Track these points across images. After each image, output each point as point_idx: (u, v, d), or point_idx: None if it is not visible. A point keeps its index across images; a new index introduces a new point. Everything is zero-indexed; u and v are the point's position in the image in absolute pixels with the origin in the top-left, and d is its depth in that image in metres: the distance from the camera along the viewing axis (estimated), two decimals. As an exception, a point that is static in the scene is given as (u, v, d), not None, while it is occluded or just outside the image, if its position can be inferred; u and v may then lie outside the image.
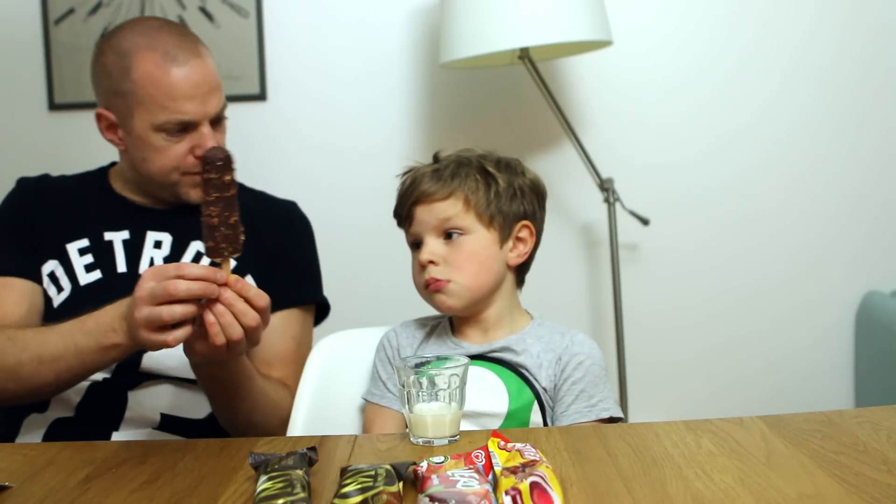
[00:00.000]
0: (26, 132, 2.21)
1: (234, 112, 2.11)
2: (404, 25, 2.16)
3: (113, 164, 1.49)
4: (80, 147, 2.19)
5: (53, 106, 2.18)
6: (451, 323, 1.30)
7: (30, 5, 2.16)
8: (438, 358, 1.10)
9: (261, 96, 2.16)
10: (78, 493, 0.87)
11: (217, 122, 1.37)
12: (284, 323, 1.40)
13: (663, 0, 2.16)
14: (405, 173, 1.28)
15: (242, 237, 1.09)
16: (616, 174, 2.03)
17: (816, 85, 2.16)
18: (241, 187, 1.52)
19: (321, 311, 1.51)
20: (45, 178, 1.46)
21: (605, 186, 2.01)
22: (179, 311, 1.02)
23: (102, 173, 1.48)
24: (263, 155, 2.12)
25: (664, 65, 2.16)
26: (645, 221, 2.07)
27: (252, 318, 1.05)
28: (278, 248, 1.45)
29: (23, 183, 1.44)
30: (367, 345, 1.38)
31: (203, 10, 2.15)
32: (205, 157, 1.06)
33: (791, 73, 2.16)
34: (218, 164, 1.05)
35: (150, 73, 1.29)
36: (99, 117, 1.37)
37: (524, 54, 1.89)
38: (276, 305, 1.27)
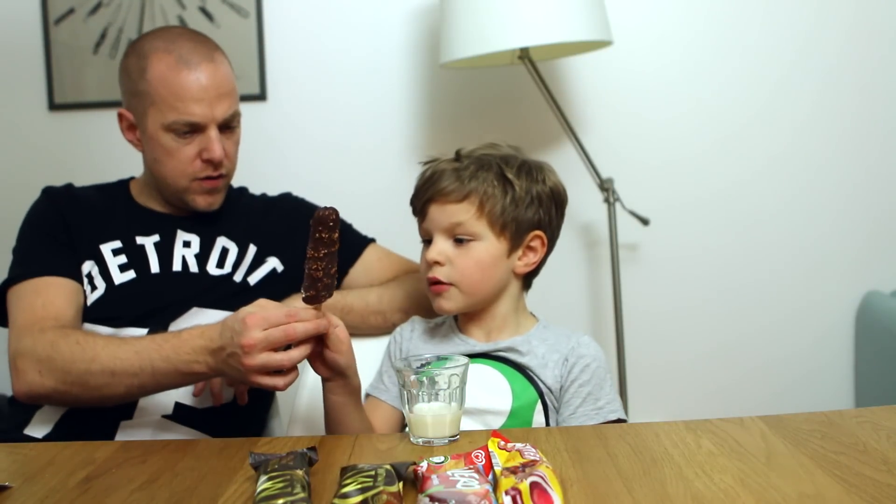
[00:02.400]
0: (26, 132, 2.20)
1: (234, 112, 2.12)
2: (404, 25, 2.16)
3: (131, 178, 1.54)
4: (80, 147, 2.19)
5: (53, 106, 2.18)
6: (455, 318, 1.31)
7: (30, 5, 2.16)
8: (439, 358, 1.10)
9: (261, 96, 2.16)
10: (78, 493, 0.87)
11: (228, 128, 1.41)
12: (368, 265, 1.52)
13: (663, 0, 2.16)
14: (427, 163, 1.27)
15: (335, 282, 1.13)
16: (616, 174, 2.03)
17: (817, 85, 2.16)
18: (244, 192, 1.57)
19: None
20: (70, 186, 1.51)
21: (605, 186, 2.01)
22: (297, 355, 1.10)
23: (123, 186, 1.52)
24: (263, 155, 2.12)
25: (664, 65, 2.16)
26: (645, 221, 2.07)
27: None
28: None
29: (49, 190, 1.48)
30: (366, 345, 1.38)
31: (203, 10, 2.15)
32: (316, 216, 1.08)
33: (791, 73, 2.16)
34: (330, 224, 1.08)
35: (163, 74, 1.35)
36: (120, 117, 1.43)
37: (524, 54, 1.89)
38: (349, 264, 1.50)
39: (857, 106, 2.16)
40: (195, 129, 1.37)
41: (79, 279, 1.38)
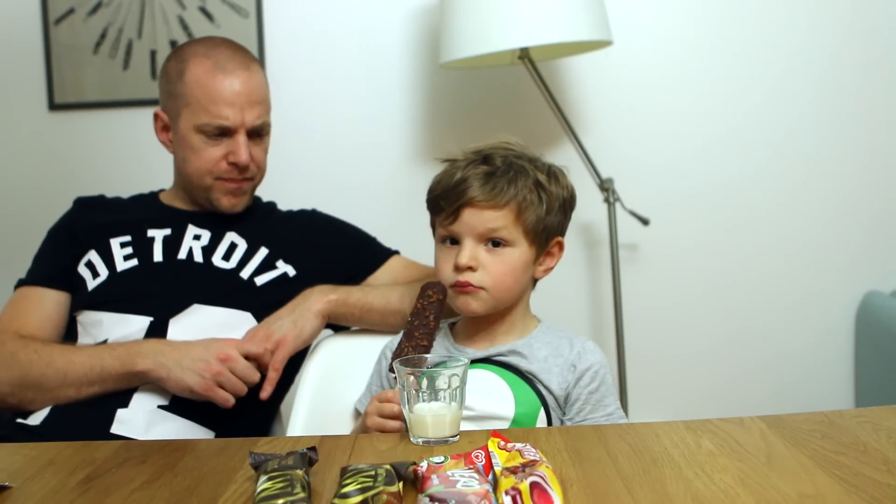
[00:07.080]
0: (26, 132, 2.20)
1: (234, 112, 2.12)
2: (404, 25, 2.16)
3: (161, 190, 1.59)
4: (80, 147, 2.19)
5: (53, 106, 2.18)
6: (451, 328, 1.30)
7: (30, 5, 2.16)
8: (439, 360, 1.10)
9: (261, 96, 2.16)
10: (78, 493, 0.87)
11: (257, 136, 1.47)
12: (394, 271, 1.55)
13: (663, 0, 2.16)
14: (449, 162, 1.24)
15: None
16: (616, 174, 2.03)
17: (816, 84, 2.16)
18: (271, 204, 1.61)
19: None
20: (100, 196, 1.58)
21: (605, 186, 2.01)
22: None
23: (153, 195, 1.59)
24: (263, 155, 2.12)
25: (664, 65, 2.16)
26: (645, 221, 2.07)
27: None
28: (334, 248, 1.55)
29: (77, 200, 1.56)
30: (365, 347, 1.39)
31: (203, 10, 2.15)
32: (433, 285, 1.21)
33: (790, 72, 2.16)
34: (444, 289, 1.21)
35: (199, 77, 1.41)
36: (156, 118, 1.49)
37: (524, 54, 1.89)
38: (371, 271, 1.54)
39: (857, 104, 2.16)
40: (224, 132, 1.42)
41: (60, 283, 1.44)
